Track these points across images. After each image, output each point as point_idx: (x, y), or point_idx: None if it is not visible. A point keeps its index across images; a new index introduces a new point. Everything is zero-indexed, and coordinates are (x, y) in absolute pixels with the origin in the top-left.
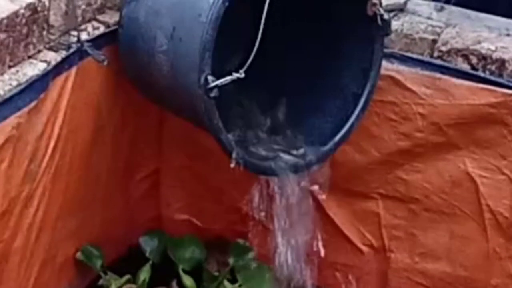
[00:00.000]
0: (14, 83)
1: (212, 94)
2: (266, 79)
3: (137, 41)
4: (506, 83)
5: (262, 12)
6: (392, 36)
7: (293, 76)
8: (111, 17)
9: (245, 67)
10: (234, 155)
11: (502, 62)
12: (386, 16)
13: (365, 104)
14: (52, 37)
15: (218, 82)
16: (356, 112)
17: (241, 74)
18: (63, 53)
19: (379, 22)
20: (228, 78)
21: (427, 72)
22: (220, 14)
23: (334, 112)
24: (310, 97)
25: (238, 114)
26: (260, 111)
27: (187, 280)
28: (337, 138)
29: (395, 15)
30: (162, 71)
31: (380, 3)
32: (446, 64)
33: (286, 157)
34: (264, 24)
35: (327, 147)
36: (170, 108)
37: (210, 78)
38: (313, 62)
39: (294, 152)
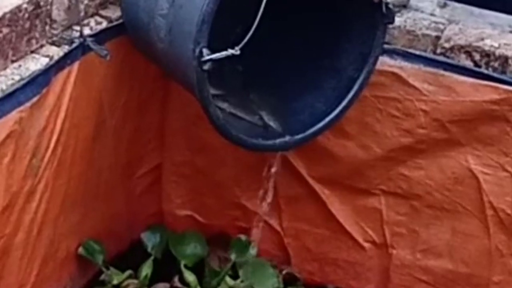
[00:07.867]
0: (17, 77)
1: (206, 67)
2: (264, 59)
3: (139, 0)
4: (509, 80)
5: None
6: (395, 32)
7: (293, 58)
8: (114, 12)
9: (241, 45)
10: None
11: (505, 59)
12: (391, 4)
13: (359, 88)
14: (55, 32)
15: (213, 56)
16: (350, 95)
17: (236, 51)
18: (66, 48)
19: (384, 9)
20: (223, 53)
21: (430, 69)
22: None
23: (328, 93)
24: (307, 77)
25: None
26: (251, 88)
27: (189, 276)
28: (327, 119)
29: (398, 11)
30: (160, 34)
31: None
32: (449, 60)
33: (273, 134)
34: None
35: (316, 127)
36: (165, 70)
37: (205, 51)
38: (315, 43)
39: (283, 130)
